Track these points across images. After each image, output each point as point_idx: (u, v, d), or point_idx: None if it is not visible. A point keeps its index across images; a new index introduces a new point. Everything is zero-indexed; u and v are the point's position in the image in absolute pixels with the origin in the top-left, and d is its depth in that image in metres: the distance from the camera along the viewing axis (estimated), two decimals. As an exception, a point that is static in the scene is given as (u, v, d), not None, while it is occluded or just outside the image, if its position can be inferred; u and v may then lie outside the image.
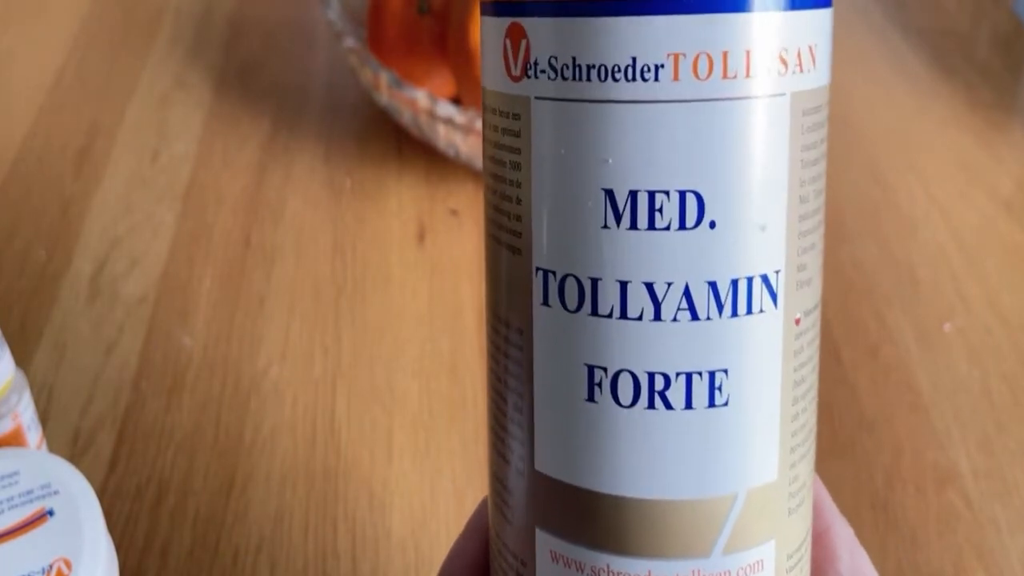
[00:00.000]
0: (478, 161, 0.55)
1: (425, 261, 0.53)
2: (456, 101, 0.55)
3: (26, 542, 0.30)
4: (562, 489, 0.21)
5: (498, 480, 0.23)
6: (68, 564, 0.30)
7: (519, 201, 0.21)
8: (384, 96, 0.55)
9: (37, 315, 0.49)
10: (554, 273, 0.20)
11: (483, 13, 0.22)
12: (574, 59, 0.19)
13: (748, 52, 0.19)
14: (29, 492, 0.31)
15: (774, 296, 0.20)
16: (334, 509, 0.42)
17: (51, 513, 0.31)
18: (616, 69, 0.19)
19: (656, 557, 0.21)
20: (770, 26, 0.19)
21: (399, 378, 0.47)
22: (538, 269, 0.21)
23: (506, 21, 0.21)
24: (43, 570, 0.29)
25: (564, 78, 0.19)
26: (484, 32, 0.22)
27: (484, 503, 0.27)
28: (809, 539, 0.23)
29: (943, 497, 0.44)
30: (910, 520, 0.44)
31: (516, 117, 0.21)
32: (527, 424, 0.22)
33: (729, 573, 0.21)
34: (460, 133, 0.53)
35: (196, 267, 0.52)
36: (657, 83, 0.19)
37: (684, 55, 0.19)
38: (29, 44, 0.66)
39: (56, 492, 0.31)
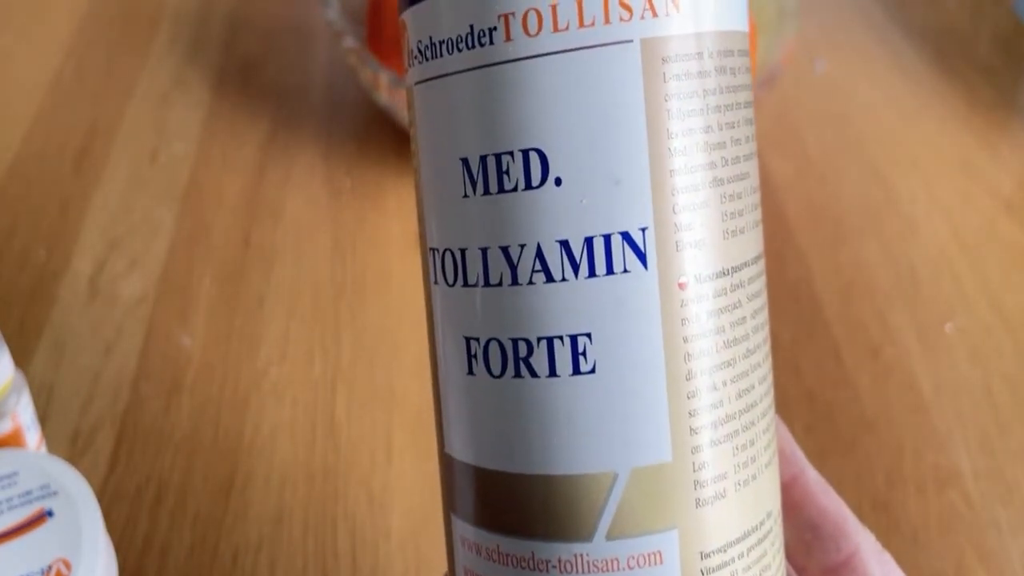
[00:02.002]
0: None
1: (425, 261, 0.53)
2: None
3: (25, 543, 0.30)
4: (460, 469, 0.21)
5: (441, 478, 0.23)
6: (67, 565, 0.30)
7: (417, 187, 0.22)
8: (384, 96, 0.55)
9: (36, 315, 0.49)
10: (438, 251, 0.21)
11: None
12: (430, 38, 0.20)
13: (579, 3, 0.18)
14: (28, 493, 0.31)
15: (641, 255, 0.19)
16: (334, 509, 0.42)
17: (50, 514, 0.31)
18: (459, 40, 0.19)
19: (539, 538, 0.20)
20: None
21: (399, 378, 0.47)
22: (431, 250, 0.21)
23: (400, 20, 0.21)
24: (42, 571, 0.29)
25: (426, 59, 0.20)
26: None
27: None
28: (764, 544, 0.21)
29: (944, 497, 0.44)
30: (911, 520, 0.43)
31: (410, 108, 0.21)
32: (438, 407, 0.22)
33: (616, 562, 0.19)
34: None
35: (195, 267, 0.52)
36: (492, 46, 0.19)
37: (513, 14, 0.19)
38: (28, 44, 0.65)
39: (55, 493, 0.31)
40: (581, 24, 0.18)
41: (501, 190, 0.19)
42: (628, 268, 0.19)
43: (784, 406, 0.47)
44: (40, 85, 0.62)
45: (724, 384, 0.20)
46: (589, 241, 0.19)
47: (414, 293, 0.51)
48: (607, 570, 0.20)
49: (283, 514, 0.42)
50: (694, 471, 0.20)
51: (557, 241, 0.19)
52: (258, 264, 0.52)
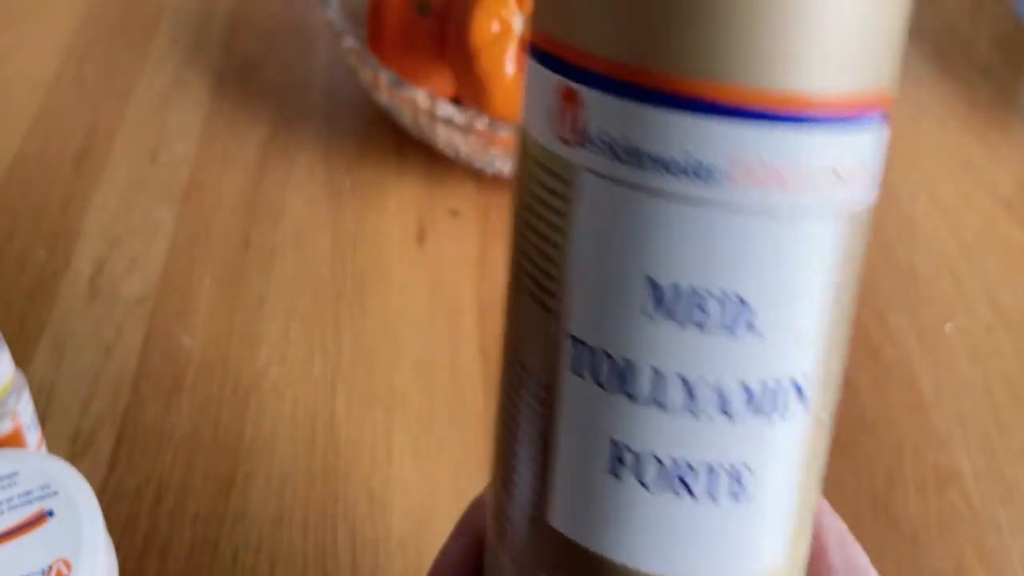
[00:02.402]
0: (478, 161, 0.55)
1: (425, 261, 0.53)
2: (456, 101, 0.55)
3: (25, 543, 0.30)
4: (574, 547, 0.22)
5: (503, 514, 0.24)
6: (67, 565, 0.30)
7: (555, 263, 0.21)
8: (384, 96, 0.55)
9: (36, 315, 0.49)
10: (587, 345, 0.21)
11: (528, 55, 0.21)
12: (633, 145, 0.19)
13: (806, 167, 0.19)
14: (28, 493, 0.31)
15: (803, 398, 0.21)
16: (334, 509, 0.42)
17: (50, 514, 0.31)
18: (675, 164, 0.19)
19: None
20: (831, 144, 0.19)
21: (399, 378, 0.47)
22: (571, 336, 0.21)
23: (558, 80, 0.20)
24: (42, 571, 0.29)
25: (620, 160, 0.19)
26: (530, 75, 0.21)
27: (473, 507, 0.27)
28: None
29: (944, 497, 0.44)
30: (911, 520, 0.44)
31: (562, 181, 0.20)
32: (541, 476, 0.22)
33: None
34: (460, 133, 0.53)
35: (196, 267, 0.52)
36: (715, 185, 0.19)
37: (744, 162, 0.19)
38: (28, 44, 0.66)
39: (55, 493, 0.31)
40: (803, 188, 0.19)
41: (692, 322, 0.20)
42: (792, 408, 0.21)
43: (784, 406, 0.47)
44: (40, 85, 0.62)
45: (818, 486, 0.22)
46: (767, 385, 0.20)
47: (414, 293, 0.51)
48: None
49: (283, 514, 0.42)
50: (792, 562, 0.22)
51: (739, 381, 0.20)
52: (258, 264, 0.52)
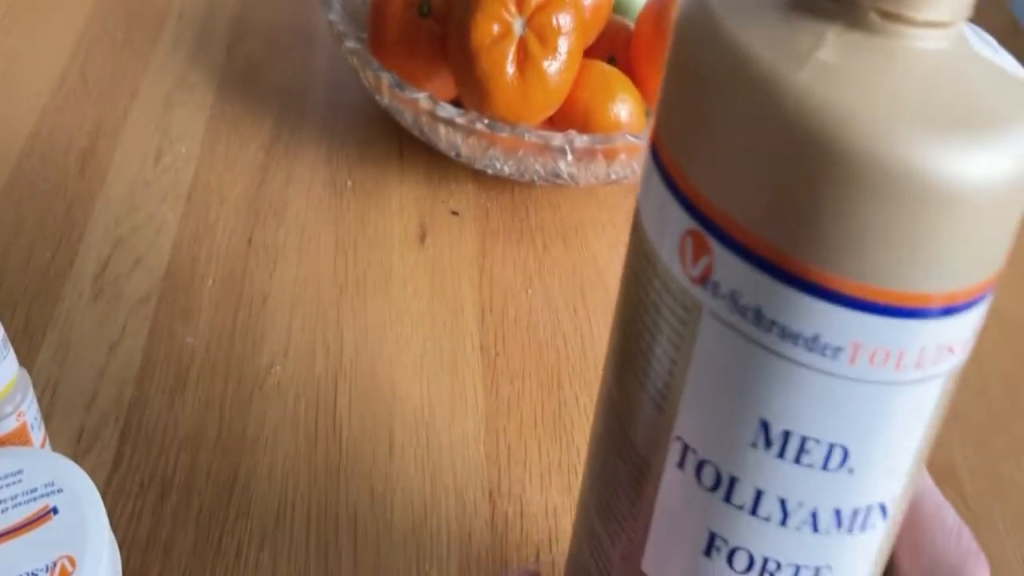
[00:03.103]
0: (479, 162, 0.55)
1: (426, 261, 0.53)
2: (457, 103, 0.55)
3: (30, 540, 0.30)
4: None
5: (600, 549, 0.26)
6: (72, 561, 0.30)
7: (671, 372, 0.22)
8: (385, 97, 0.55)
9: (41, 314, 0.49)
10: (694, 451, 0.22)
11: (653, 163, 0.22)
12: (759, 309, 0.20)
13: (921, 350, 0.20)
14: (33, 490, 0.32)
15: (886, 515, 0.22)
16: (336, 505, 0.42)
17: (55, 511, 0.31)
18: (799, 336, 0.20)
19: None
20: (946, 328, 0.20)
21: (400, 376, 0.48)
22: (678, 438, 0.22)
23: (689, 223, 0.21)
24: (47, 568, 0.30)
25: (744, 316, 0.20)
26: (651, 194, 0.22)
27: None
28: None
29: (940, 495, 0.45)
30: (907, 518, 0.44)
31: (684, 308, 0.21)
32: (638, 534, 0.24)
33: None
34: (461, 134, 0.53)
35: (199, 266, 0.52)
36: (834, 362, 0.20)
37: (864, 346, 0.20)
38: (33, 45, 0.66)
39: (60, 490, 0.32)
40: (917, 366, 0.20)
41: (797, 462, 0.21)
42: (875, 526, 0.23)
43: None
44: (45, 86, 0.63)
45: (883, 562, 0.24)
46: (856, 510, 0.22)
47: (415, 291, 0.51)
48: None
49: (286, 510, 0.42)
50: None
51: (833, 509, 0.22)
52: (261, 263, 0.53)
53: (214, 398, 0.46)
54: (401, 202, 0.57)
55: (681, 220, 0.21)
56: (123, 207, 0.55)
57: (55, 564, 0.30)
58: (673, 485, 0.23)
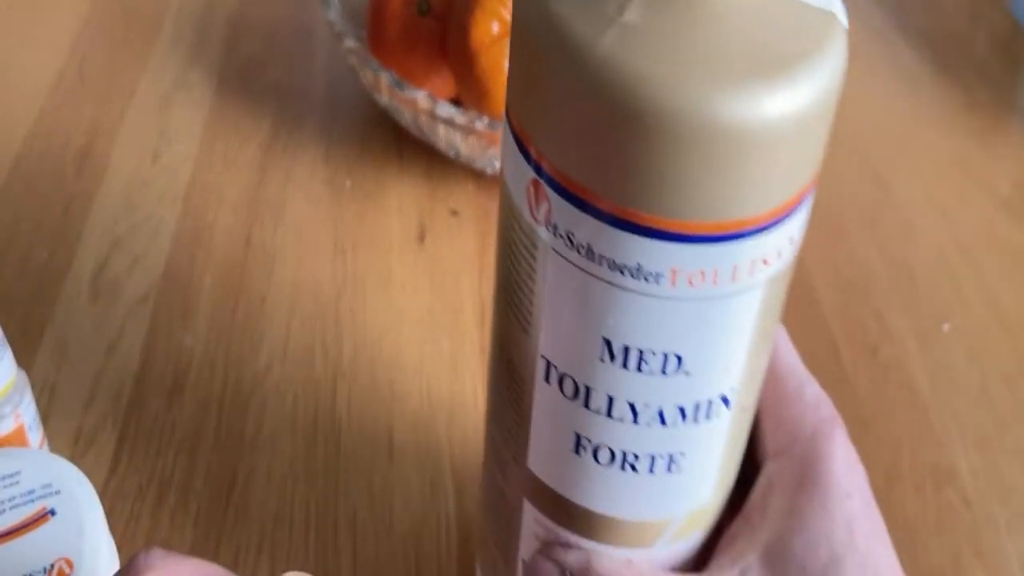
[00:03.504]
0: (478, 161, 0.55)
1: (425, 261, 0.53)
2: (456, 102, 0.55)
3: (28, 541, 0.30)
4: (546, 487, 0.28)
5: (497, 452, 0.29)
6: (70, 563, 0.30)
7: (531, 301, 0.25)
8: (384, 97, 0.55)
9: (39, 315, 0.49)
10: (555, 367, 0.25)
11: (505, 123, 0.24)
12: (589, 245, 0.22)
13: (735, 267, 0.22)
14: (31, 492, 0.31)
15: (728, 403, 0.25)
16: (335, 507, 0.42)
17: (53, 512, 0.31)
18: (624, 267, 0.22)
19: (611, 544, 0.28)
20: (756, 245, 0.22)
21: (399, 377, 0.47)
22: (543, 356, 0.25)
23: (531, 174, 0.23)
24: (45, 569, 0.30)
25: (579, 252, 0.23)
26: (507, 144, 0.24)
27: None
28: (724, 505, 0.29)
29: (942, 496, 0.45)
30: (909, 519, 0.44)
31: (534, 245, 0.24)
32: (523, 439, 0.28)
33: (664, 556, 0.28)
34: (460, 134, 0.53)
35: (197, 266, 0.52)
36: (657, 285, 0.22)
37: (682, 270, 0.22)
38: (30, 44, 0.66)
39: (58, 492, 0.31)
40: (733, 280, 0.22)
41: (638, 370, 0.24)
42: (719, 414, 0.25)
43: (782, 405, 0.47)
44: (42, 85, 0.63)
45: (739, 447, 0.28)
46: (698, 404, 0.25)
47: (414, 292, 0.51)
48: (656, 560, 0.28)
49: (285, 512, 0.42)
50: (718, 500, 0.28)
51: (676, 405, 0.25)
52: (259, 263, 0.52)
53: (212, 399, 0.46)
54: (400, 202, 0.56)
55: (526, 172, 0.23)
56: (121, 207, 0.55)
57: (53, 566, 0.30)
58: (543, 396, 0.26)
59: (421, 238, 0.54)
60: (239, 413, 0.45)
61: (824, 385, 0.48)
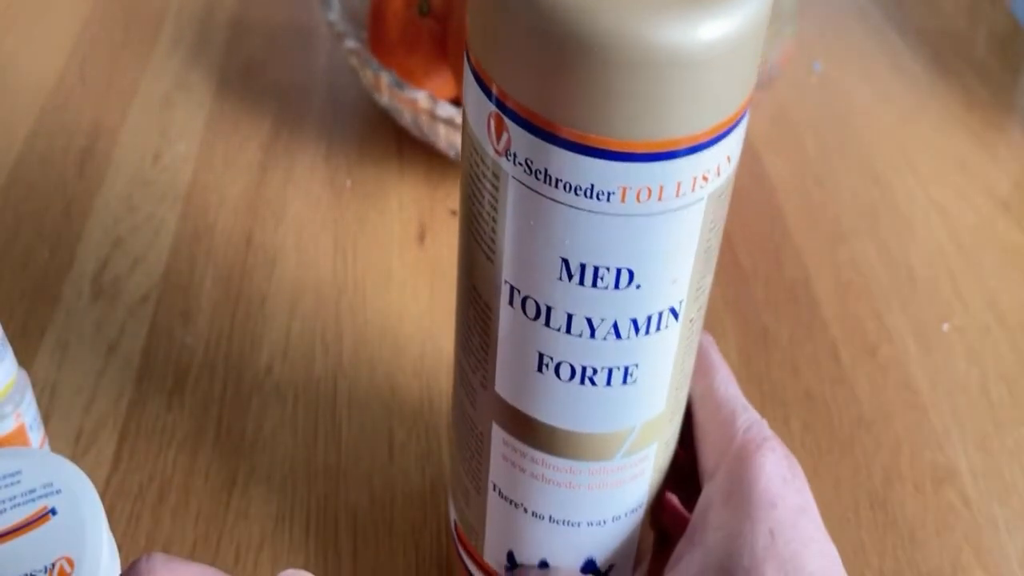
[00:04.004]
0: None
1: (426, 261, 0.53)
2: (457, 102, 0.55)
3: (29, 541, 0.30)
4: (512, 408, 0.30)
5: (467, 381, 0.31)
6: (70, 563, 0.30)
7: (494, 230, 0.27)
8: (385, 97, 0.55)
9: (39, 315, 0.49)
10: (518, 290, 0.27)
11: (466, 61, 0.26)
12: (546, 169, 0.25)
13: (678, 183, 0.24)
14: (32, 491, 0.32)
15: (677, 315, 0.27)
16: (335, 507, 0.42)
17: (53, 512, 0.31)
18: (578, 187, 0.24)
19: (575, 459, 0.30)
20: (696, 162, 0.24)
21: (400, 377, 0.47)
22: (506, 281, 0.27)
23: (491, 108, 0.25)
24: (46, 569, 0.30)
25: (536, 178, 0.25)
26: (469, 81, 0.26)
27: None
28: (678, 428, 0.33)
29: (941, 496, 0.45)
30: (909, 519, 0.44)
31: (495, 176, 0.26)
32: (489, 363, 0.30)
33: (624, 467, 0.31)
34: (461, 134, 0.53)
35: (198, 267, 0.52)
36: (608, 203, 0.24)
37: (630, 187, 0.24)
38: (31, 45, 0.66)
39: (58, 491, 0.32)
40: (677, 195, 0.25)
41: (594, 286, 0.26)
42: (669, 326, 0.28)
43: (782, 404, 0.47)
44: (43, 86, 0.63)
45: (688, 362, 0.30)
46: (649, 316, 0.27)
47: (414, 292, 0.51)
48: (618, 471, 0.31)
49: (285, 512, 0.42)
50: (671, 409, 0.31)
51: (629, 318, 0.27)
52: (260, 263, 0.52)
53: (213, 399, 0.46)
54: (400, 202, 0.56)
55: (486, 106, 0.25)
56: (122, 207, 0.55)
57: (54, 565, 0.30)
58: (507, 319, 0.28)
59: (421, 238, 0.54)
60: (239, 412, 0.46)
61: (823, 385, 0.49)
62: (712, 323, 0.51)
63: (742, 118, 0.25)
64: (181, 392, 0.46)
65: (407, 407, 0.46)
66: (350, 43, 0.55)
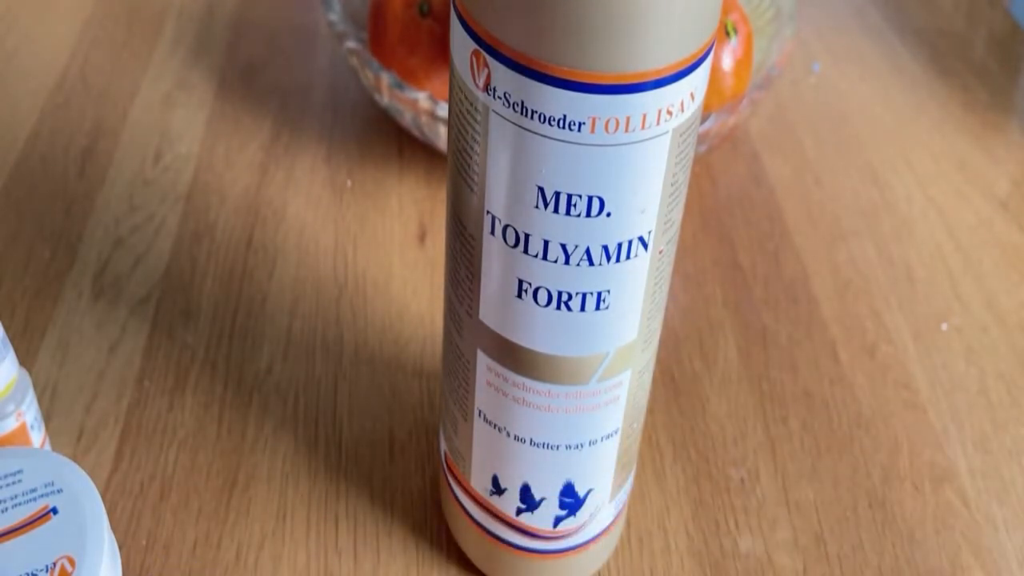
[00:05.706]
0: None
1: (426, 261, 0.53)
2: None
3: (30, 540, 0.30)
4: (495, 334, 0.32)
5: (454, 311, 0.34)
6: (71, 562, 0.30)
7: (478, 163, 0.29)
8: (385, 97, 0.55)
9: (40, 314, 0.49)
10: (499, 219, 0.29)
11: (454, 13, 0.28)
12: (523, 102, 0.27)
13: (644, 115, 0.26)
14: (33, 490, 0.32)
15: (646, 245, 0.30)
16: (335, 507, 0.43)
17: (55, 511, 0.31)
18: (552, 118, 0.26)
19: (553, 382, 0.32)
20: (661, 96, 0.26)
21: (400, 377, 0.48)
22: (488, 212, 0.30)
23: (472, 45, 0.27)
24: (47, 568, 0.30)
25: (515, 110, 0.27)
26: (454, 25, 0.28)
27: None
28: (653, 356, 0.34)
29: (940, 495, 0.45)
30: (907, 518, 0.44)
31: (478, 111, 0.28)
32: (474, 292, 0.32)
33: (599, 391, 0.33)
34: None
35: (198, 266, 0.52)
36: (579, 133, 0.27)
37: (600, 118, 0.26)
38: (33, 45, 0.66)
39: (60, 490, 0.32)
40: (643, 127, 0.27)
41: (568, 214, 0.28)
42: (638, 254, 0.30)
43: (781, 404, 0.48)
44: (45, 86, 0.63)
45: (660, 291, 0.32)
46: (620, 244, 0.29)
47: (415, 292, 0.51)
48: (593, 395, 0.33)
49: (286, 511, 0.42)
50: (644, 336, 0.33)
51: (601, 245, 0.29)
52: (260, 263, 0.53)
53: (214, 398, 0.46)
54: (401, 202, 0.57)
55: (468, 44, 0.27)
56: (123, 207, 0.55)
57: (55, 564, 0.30)
58: (490, 249, 0.30)
59: (422, 238, 0.55)
60: (240, 412, 0.46)
61: (822, 384, 0.49)
62: (711, 323, 0.51)
63: (704, 56, 0.27)
64: (182, 391, 0.46)
65: (407, 407, 0.46)
66: (351, 43, 0.55)
